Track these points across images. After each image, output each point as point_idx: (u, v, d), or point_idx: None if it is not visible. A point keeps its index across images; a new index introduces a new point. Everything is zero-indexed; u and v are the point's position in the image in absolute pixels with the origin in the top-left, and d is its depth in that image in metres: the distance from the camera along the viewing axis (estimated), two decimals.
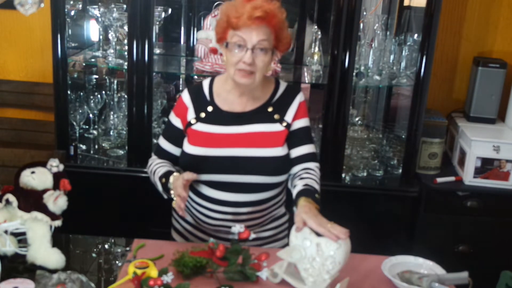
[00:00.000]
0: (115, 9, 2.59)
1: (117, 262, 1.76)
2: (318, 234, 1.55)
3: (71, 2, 2.69)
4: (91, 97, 2.78)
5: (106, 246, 1.86)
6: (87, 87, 2.96)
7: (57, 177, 1.72)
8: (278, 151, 1.84)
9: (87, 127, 2.89)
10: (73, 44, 2.76)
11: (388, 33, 2.75)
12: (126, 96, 2.67)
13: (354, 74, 2.50)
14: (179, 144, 1.92)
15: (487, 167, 2.63)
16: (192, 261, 1.60)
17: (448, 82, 3.09)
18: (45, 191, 1.69)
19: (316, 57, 2.72)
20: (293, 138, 1.88)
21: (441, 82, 3.08)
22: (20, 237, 1.69)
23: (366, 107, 3.10)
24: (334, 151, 2.58)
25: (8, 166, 2.26)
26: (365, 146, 2.86)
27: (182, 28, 3.05)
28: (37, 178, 1.69)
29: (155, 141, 2.58)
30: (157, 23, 2.70)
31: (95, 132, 2.89)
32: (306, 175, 1.83)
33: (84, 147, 2.80)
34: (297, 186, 1.77)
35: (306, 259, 1.55)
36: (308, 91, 3.01)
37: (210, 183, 1.85)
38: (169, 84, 3.09)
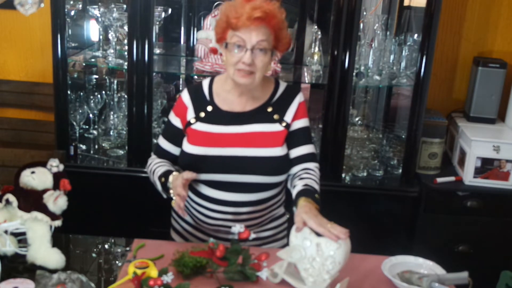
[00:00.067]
0: (115, 9, 2.59)
1: (117, 262, 1.76)
2: (318, 234, 1.55)
3: (71, 2, 2.69)
4: (91, 97, 2.78)
5: (106, 246, 1.86)
6: (87, 87, 2.96)
7: (57, 177, 1.72)
8: (278, 151, 1.84)
9: (87, 127, 2.90)
10: (73, 44, 2.76)
11: (388, 33, 2.75)
12: (126, 96, 2.67)
13: (354, 74, 2.50)
14: (178, 143, 1.92)
15: (487, 167, 2.63)
16: (192, 261, 1.60)
17: (448, 82, 3.09)
18: (45, 191, 1.69)
19: (316, 57, 2.72)
20: (293, 138, 1.89)
21: (441, 82, 3.08)
22: (20, 237, 1.69)
23: (366, 107, 3.10)
24: (334, 151, 2.58)
25: (8, 166, 2.26)
26: (365, 146, 2.86)
27: (182, 28, 3.05)
28: (37, 178, 1.69)
29: (155, 141, 2.58)
30: (157, 23, 2.70)
31: (95, 132, 2.89)
32: (305, 175, 1.83)
33: (84, 147, 2.80)
34: (297, 186, 1.77)
35: (306, 259, 1.55)
36: (308, 91, 3.01)
37: (210, 183, 1.85)
38: (169, 84, 3.09)
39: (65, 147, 2.61)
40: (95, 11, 2.65)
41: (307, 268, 1.55)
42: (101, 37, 2.74)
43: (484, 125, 2.84)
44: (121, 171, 2.62)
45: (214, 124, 1.86)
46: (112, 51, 2.66)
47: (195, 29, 2.98)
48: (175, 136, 1.93)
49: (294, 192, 1.77)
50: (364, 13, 2.65)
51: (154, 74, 2.60)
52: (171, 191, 1.77)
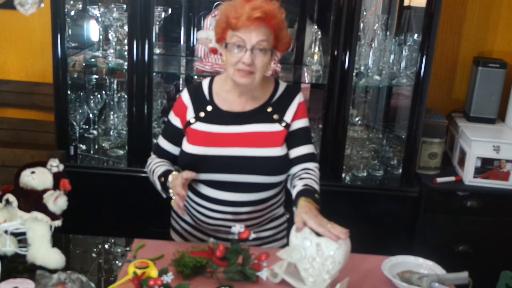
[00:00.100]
0: (115, 9, 2.59)
1: (117, 262, 1.76)
2: (318, 234, 1.55)
3: (71, 2, 2.69)
4: (91, 97, 2.78)
5: (106, 246, 1.86)
6: (87, 87, 2.96)
7: (57, 177, 1.72)
8: (277, 151, 1.84)
9: (87, 127, 2.90)
10: (73, 44, 2.76)
11: (388, 33, 2.75)
12: (126, 96, 2.67)
13: (354, 74, 2.50)
14: (178, 143, 1.92)
15: (487, 167, 2.63)
16: (192, 261, 1.60)
17: (448, 82, 3.09)
18: (45, 191, 1.69)
19: (316, 57, 2.72)
20: (293, 138, 1.89)
21: (441, 82, 3.08)
22: (20, 237, 1.69)
23: (366, 107, 3.10)
24: (334, 151, 2.58)
25: (8, 166, 2.26)
26: (365, 146, 2.86)
27: (182, 28, 3.05)
28: (37, 178, 1.69)
29: (155, 141, 2.58)
30: (157, 23, 2.70)
31: (95, 132, 2.89)
32: (305, 175, 1.83)
33: (84, 147, 2.80)
34: (297, 187, 1.77)
35: (306, 259, 1.55)
36: (308, 91, 3.01)
37: (209, 183, 1.85)
38: (169, 84, 3.09)
39: (65, 147, 2.62)
40: (95, 11, 2.65)
41: (307, 268, 1.55)
42: (101, 37, 2.74)
43: (484, 125, 2.84)
44: (121, 171, 2.62)
45: (214, 124, 1.86)
46: (112, 51, 2.66)
47: (195, 29, 2.98)
48: (175, 136, 1.93)
49: (294, 192, 1.77)
50: (364, 13, 2.65)
51: (154, 74, 2.60)
52: (170, 191, 1.77)
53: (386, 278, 1.66)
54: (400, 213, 2.66)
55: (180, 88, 3.14)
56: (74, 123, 2.69)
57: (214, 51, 2.58)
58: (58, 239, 1.73)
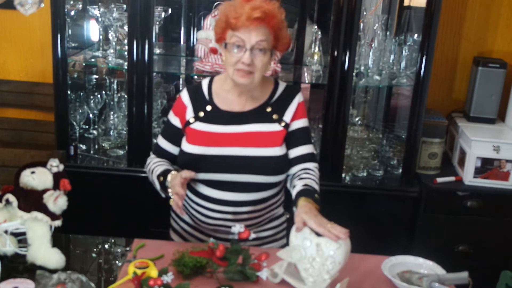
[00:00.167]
0: (115, 9, 2.59)
1: (117, 262, 1.76)
2: (318, 234, 1.55)
3: (71, 2, 2.69)
4: (91, 97, 2.78)
5: (106, 246, 1.86)
6: (87, 87, 2.96)
7: (57, 177, 1.72)
8: (277, 151, 1.84)
9: (87, 127, 2.90)
10: (73, 44, 2.76)
11: (388, 33, 2.75)
12: (126, 96, 2.67)
13: (354, 74, 2.50)
14: (177, 143, 1.92)
15: (487, 167, 2.63)
16: (192, 261, 1.60)
17: (448, 82, 3.09)
18: (45, 191, 1.69)
19: (316, 57, 2.72)
20: (292, 138, 1.89)
21: (441, 82, 3.08)
22: (20, 237, 1.69)
23: (366, 107, 3.10)
24: (334, 151, 2.58)
25: (8, 166, 2.26)
26: (365, 146, 2.86)
27: (182, 28, 3.05)
28: (37, 178, 1.69)
29: (155, 141, 2.57)
30: (157, 23, 2.70)
31: (95, 132, 2.89)
32: (305, 175, 1.83)
33: (84, 147, 2.80)
34: (297, 187, 1.77)
35: (306, 259, 1.55)
36: (308, 91, 3.01)
37: (209, 182, 1.85)
38: (169, 84, 3.09)
39: (65, 147, 2.62)
40: (95, 11, 2.65)
41: (307, 268, 1.55)
42: (101, 37, 2.74)
43: (484, 125, 2.84)
44: (121, 171, 2.62)
45: (213, 124, 1.86)
46: (112, 51, 2.66)
47: (195, 29, 2.98)
48: (174, 135, 1.93)
49: (293, 192, 1.77)
50: (364, 13, 2.65)
51: (154, 74, 2.60)
52: (169, 190, 1.77)
53: (386, 278, 1.66)
54: (400, 213, 2.66)
55: (180, 88, 3.14)
56: (74, 123, 2.69)
57: (214, 51, 2.58)
58: (58, 239, 1.73)
